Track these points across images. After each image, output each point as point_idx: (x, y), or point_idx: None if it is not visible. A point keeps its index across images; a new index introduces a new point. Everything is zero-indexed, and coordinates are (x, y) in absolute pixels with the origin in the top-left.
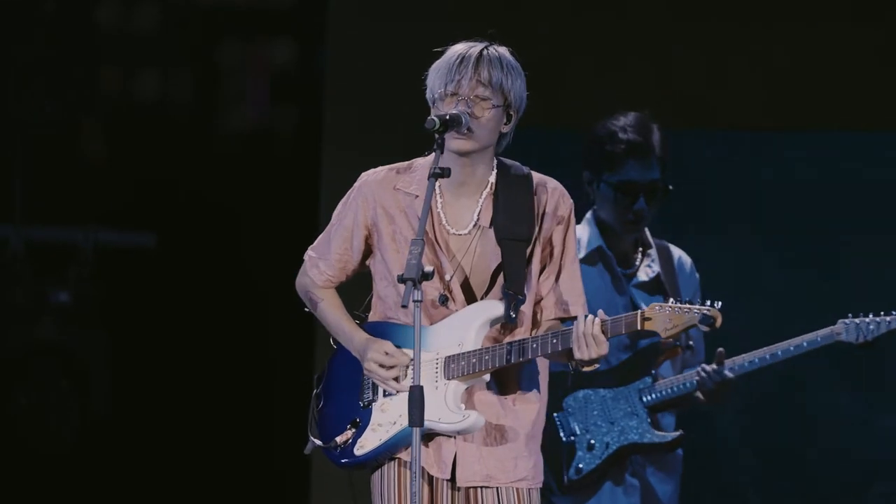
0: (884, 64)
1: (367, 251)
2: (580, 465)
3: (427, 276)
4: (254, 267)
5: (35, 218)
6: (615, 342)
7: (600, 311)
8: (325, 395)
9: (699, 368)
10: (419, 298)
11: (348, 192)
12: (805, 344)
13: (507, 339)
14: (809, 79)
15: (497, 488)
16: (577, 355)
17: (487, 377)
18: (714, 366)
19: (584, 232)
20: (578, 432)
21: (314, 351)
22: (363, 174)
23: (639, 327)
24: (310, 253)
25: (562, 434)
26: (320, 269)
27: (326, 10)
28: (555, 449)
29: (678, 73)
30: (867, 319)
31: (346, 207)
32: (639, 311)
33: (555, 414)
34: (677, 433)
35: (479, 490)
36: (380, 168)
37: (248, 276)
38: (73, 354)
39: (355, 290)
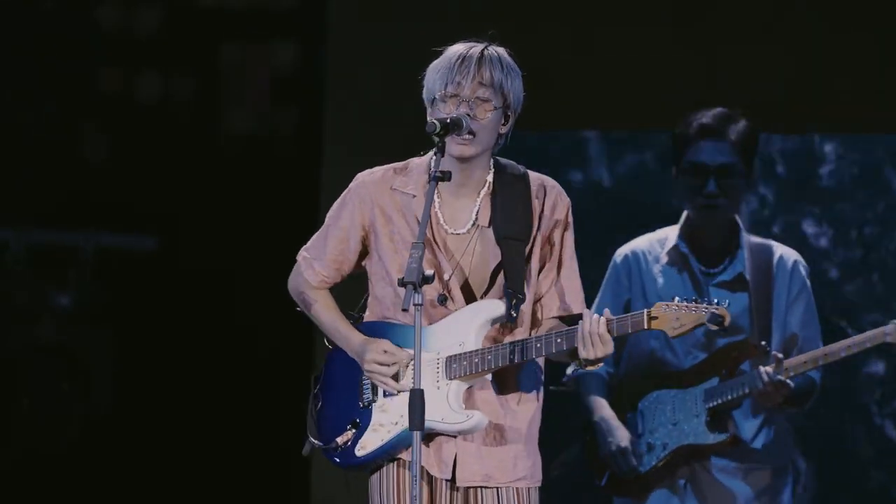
0: None
1: (364, 252)
2: (638, 465)
3: (428, 280)
4: (254, 268)
5: (35, 220)
6: (690, 342)
7: (606, 310)
8: (323, 396)
9: (756, 369)
10: (420, 302)
11: (344, 193)
12: (854, 346)
13: (507, 339)
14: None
15: (496, 488)
16: (583, 354)
17: (489, 377)
18: (770, 368)
19: (671, 231)
20: (642, 433)
21: (313, 351)
22: (359, 175)
23: (645, 326)
24: (304, 254)
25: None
26: (315, 269)
27: (326, 11)
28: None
29: (680, 75)
30: None
31: (341, 208)
32: (645, 311)
33: (628, 414)
34: (725, 435)
35: (478, 490)
36: (376, 168)
37: (248, 278)
38: (73, 357)
39: (350, 291)
